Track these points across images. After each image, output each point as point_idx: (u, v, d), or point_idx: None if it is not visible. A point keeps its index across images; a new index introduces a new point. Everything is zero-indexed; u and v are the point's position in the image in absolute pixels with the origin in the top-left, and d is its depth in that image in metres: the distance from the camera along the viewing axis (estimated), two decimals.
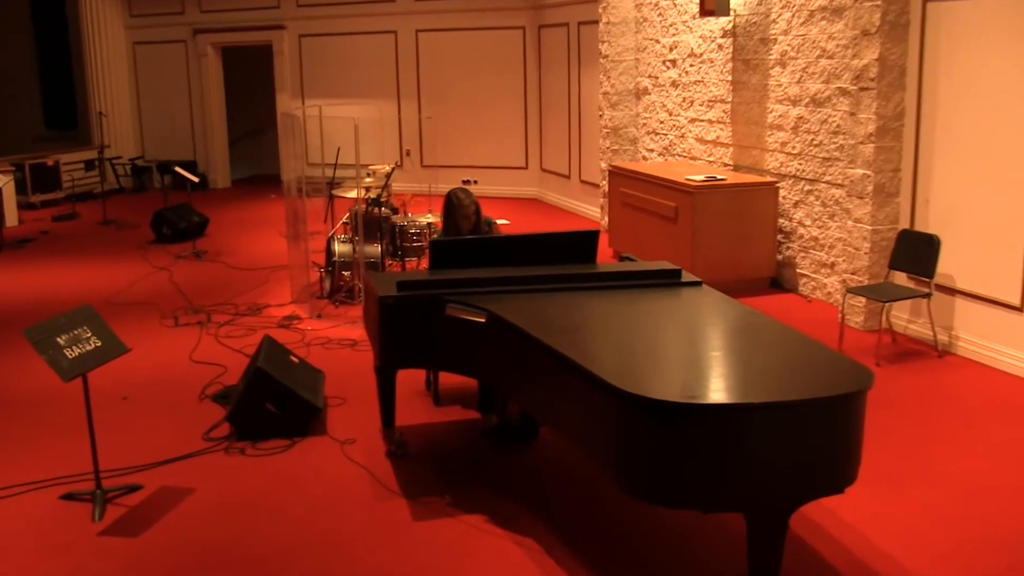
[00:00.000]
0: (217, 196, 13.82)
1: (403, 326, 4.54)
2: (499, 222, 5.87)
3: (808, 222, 7.89)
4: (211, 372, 6.16)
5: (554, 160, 12.72)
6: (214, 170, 14.74)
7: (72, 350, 4.30)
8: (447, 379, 5.72)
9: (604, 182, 10.50)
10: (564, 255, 4.92)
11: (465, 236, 5.39)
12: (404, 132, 13.67)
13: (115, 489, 4.56)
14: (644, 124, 10.43)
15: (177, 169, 10.78)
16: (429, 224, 7.65)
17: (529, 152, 13.27)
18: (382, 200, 7.72)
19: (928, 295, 6.44)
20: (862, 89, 6.80)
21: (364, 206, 7.63)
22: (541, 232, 5.14)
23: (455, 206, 5.49)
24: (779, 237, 8.22)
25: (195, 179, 10.63)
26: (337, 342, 6.76)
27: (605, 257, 9.09)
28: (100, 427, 5.14)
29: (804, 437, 3.29)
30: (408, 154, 13.35)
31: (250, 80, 15.42)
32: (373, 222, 7.63)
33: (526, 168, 13.28)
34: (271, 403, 5.11)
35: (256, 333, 6.94)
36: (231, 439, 5.13)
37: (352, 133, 6.97)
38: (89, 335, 4.40)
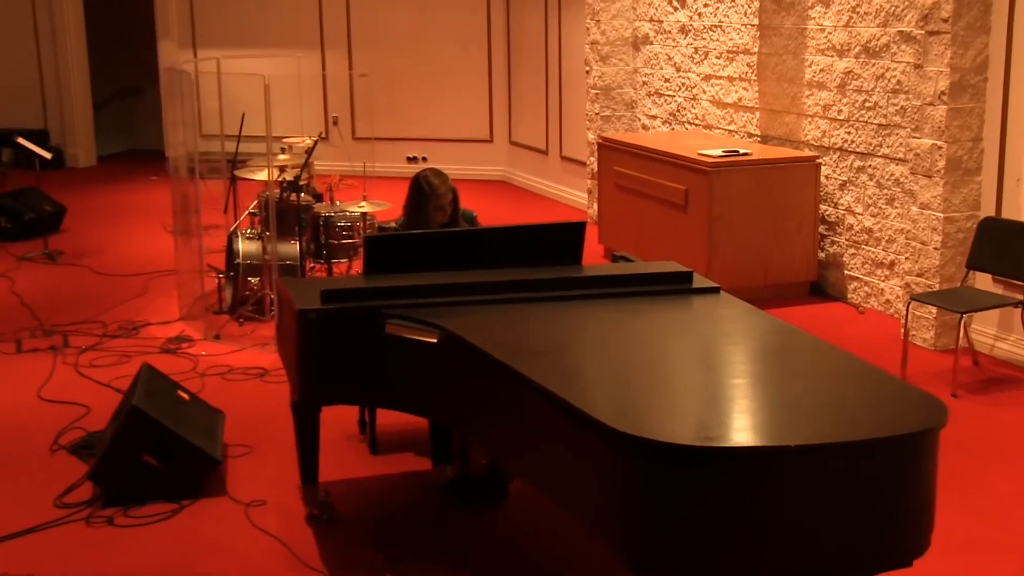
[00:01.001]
0: (78, 177, 13.72)
1: (329, 349, 4.54)
2: None
3: (859, 209, 7.94)
4: (68, 414, 6.10)
5: (527, 131, 12.73)
6: (73, 143, 14.60)
7: None
8: (388, 418, 5.70)
9: (592, 159, 10.52)
10: (541, 254, 4.95)
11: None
12: (330, 94, 13.64)
13: None
14: (644, 83, 10.47)
15: (20, 141, 10.59)
16: (364, 215, 7.62)
17: (495, 120, 13.27)
18: (301, 183, 7.68)
19: (1021, 304, 6.49)
20: (931, 33, 6.86)
21: (278, 191, 7.60)
22: (511, 225, 5.13)
23: (425, 195, 5.53)
24: (821, 229, 8.28)
25: (46, 155, 10.44)
26: (241, 371, 6.75)
27: (594, 257, 9.11)
28: None
29: (857, 492, 3.31)
30: (336, 123, 13.30)
31: (122, 24, 15.34)
32: (290, 212, 7.61)
33: (490, 141, 13.28)
34: (151, 454, 5.08)
35: (131, 361, 6.90)
36: (95, 504, 5.07)
37: (261, 95, 6.92)
38: None
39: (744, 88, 9.09)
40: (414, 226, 5.53)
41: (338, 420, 5.69)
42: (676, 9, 9.87)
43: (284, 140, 9.15)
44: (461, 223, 5.62)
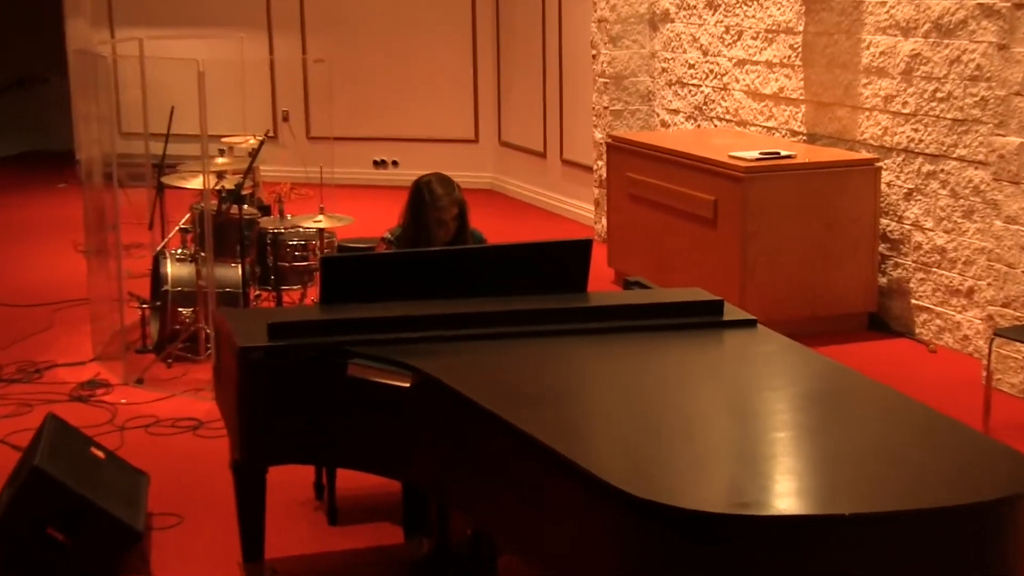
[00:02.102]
0: None
1: (278, 396, 4.54)
2: None
3: (929, 224, 7.96)
4: None
5: (520, 129, 12.75)
6: None
7: None
8: (350, 480, 5.68)
9: (600, 163, 10.54)
10: (538, 279, 4.96)
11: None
12: (280, 84, 13.65)
13: None
14: (664, 70, 10.50)
15: None
16: (321, 231, 7.63)
17: (481, 117, 13.28)
18: (244, 193, 7.68)
19: None
20: (1020, 6, 6.89)
21: (215, 203, 7.61)
22: (501, 244, 5.14)
23: (424, 204, 5.55)
24: (882, 248, 8.29)
25: None
26: (170, 423, 6.75)
27: (602, 282, 9.10)
28: None
29: (927, 573, 3.30)
30: (286, 119, 13.31)
31: None
32: (230, 228, 7.60)
33: (475, 142, 13.29)
34: (56, 526, 5.05)
35: (33, 411, 6.87)
36: None
37: (194, 84, 6.93)
38: None
39: (786, 76, 9.12)
40: (411, 241, 5.57)
41: (289, 483, 5.64)
42: None
43: (223, 140, 9.15)
44: (468, 244, 5.62)
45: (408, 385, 4.27)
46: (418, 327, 4.57)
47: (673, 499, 3.28)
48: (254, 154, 7.83)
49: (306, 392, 4.51)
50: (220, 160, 8.22)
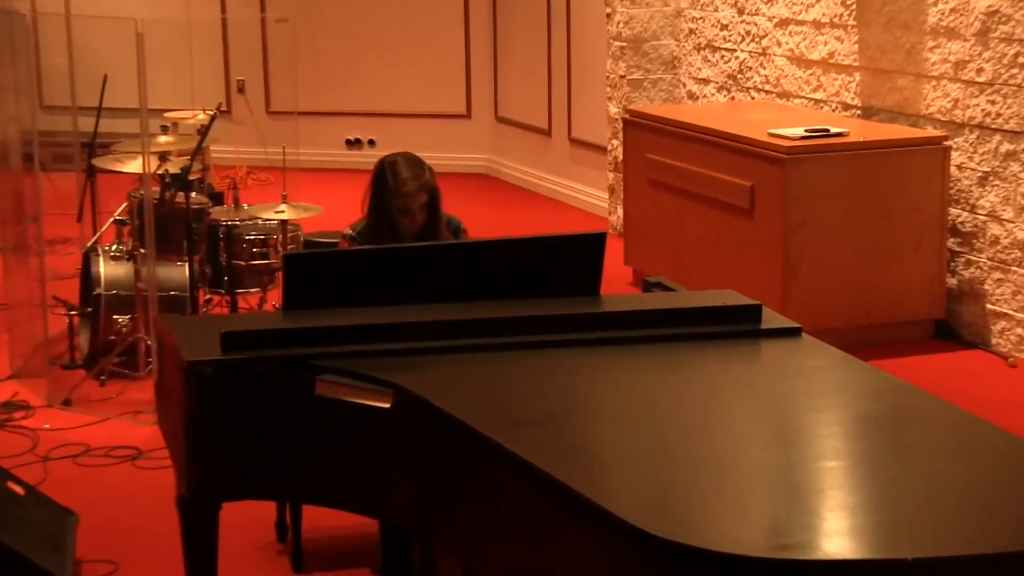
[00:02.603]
0: None
1: (233, 419, 4.52)
2: None
3: (1009, 214, 7.96)
4: None
5: (520, 102, 12.76)
6: None
7: None
8: (319, 519, 5.69)
9: (615, 143, 10.56)
10: (542, 280, 4.97)
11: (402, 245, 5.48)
12: (234, 48, 13.64)
13: None
14: (691, 32, 10.51)
15: None
16: (284, 224, 7.63)
17: (474, 88, 13.29)
18: (192, 178, 7.69)
19: None
20: None
21: (157, 190, 7.60)
22: (498, 238, 5.14)
23: (387, 189, 5.59)
24: (952, 243, 8.30)
25: None
26: (103, 452, 6.75)
27: (618, 283, 9.12)
28: None
29: None
30: (242, 90, 13.31)
31: None
32: (175, 220, 7.61)
33: (467, 117, 13.31)
34: None
35: None
36: None
37: (132, 49, 6.92)
38: None
39: (837, 38, 9.13)
40: (376, 233, 5.62)
41: (247, 522, 5.63)
42: None
43: (166, 115, 9.16)
44: (444, 235, 5.67)
45: (388, 406, 4.26)
46: (400, 337, 4.56)
47: (704, 541, 3.27)
48: (203, 132, 7.84)
49: (266, 414, 4.49)
50: (163, 139, 8.22)
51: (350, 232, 5.75)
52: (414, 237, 5.57)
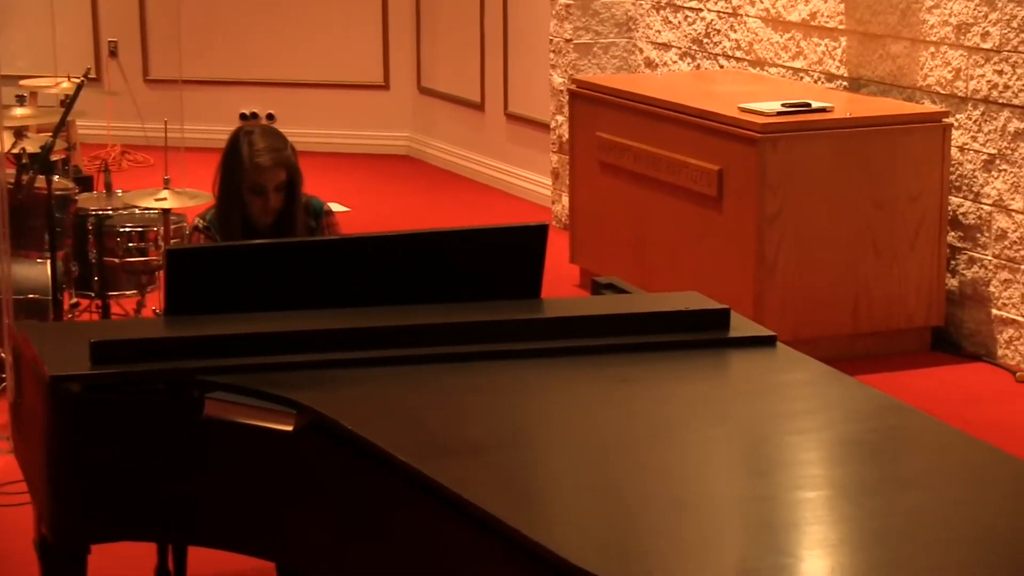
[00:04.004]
0: None
1: (105, 446, 4.48)
2: (336, 209, 5.88)
3: (1018, 203, 7.98)
4: None
5: (448, 72, 12.81)
6: None
7: None
8: (208, 563, 5.65)
9: (560, 118, 10.55)
10: (473, 281, 5.01)
11: (255, 237, 5.51)
12: (104, 5, 13.62)
13: None
14: None
15: None
16: (166, 213, 7.57)
17: (392, 54, 13.32)
18: (54, 159, 7.63)
19: None
20: None
21: (12, 173, 7.51)
22: (420, 230, 5.11)
23: (239, 163, 5.58)
24: (952, 237, 8.31)
25: None
26: None
27: (563, 285, 9.12)
28: None
29: None
30: (114, 53, 13.26)
31: None
32: (35, 209, 7.54)
33: (385, 88, 13.36)
34: None
35: None
36: None
37: None
38: None
39: None
40: (225, 222, 5.58)
41: (121, 567, 5.66)
42: None
43: (23, 83, 9.10)
44: (302, 220, 5.63)
45: (290, 429, 4.24)
46: (304, 347, 4.57)
47: None
48: (68, 104, 7.79)
49: (144, 440, 4.46)
50: (19, 111, 8.18)
51: (202, 222, 5.70)
52: (268, 227, 5.50)
